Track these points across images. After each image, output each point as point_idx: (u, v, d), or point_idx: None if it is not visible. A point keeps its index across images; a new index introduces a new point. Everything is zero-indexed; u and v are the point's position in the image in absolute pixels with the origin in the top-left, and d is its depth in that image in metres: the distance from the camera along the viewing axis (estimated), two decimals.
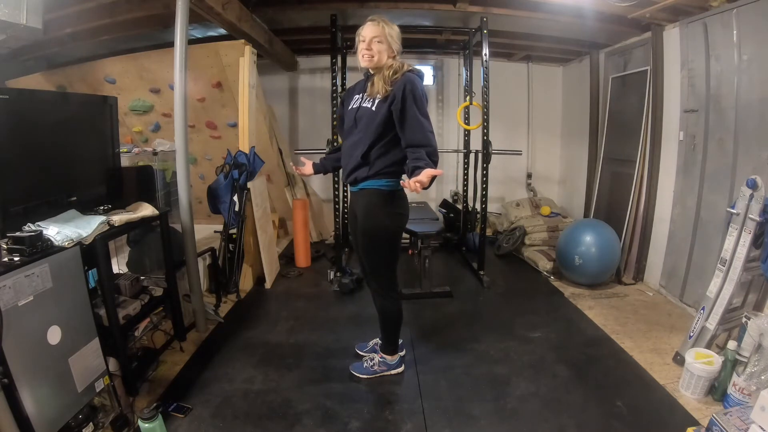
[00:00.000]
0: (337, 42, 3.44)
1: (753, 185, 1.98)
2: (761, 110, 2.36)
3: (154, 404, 1.67)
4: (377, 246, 1.95)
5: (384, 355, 2.17)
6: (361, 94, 1.91)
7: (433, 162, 1.75)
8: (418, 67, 1.93)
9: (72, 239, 1.55)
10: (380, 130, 1.80)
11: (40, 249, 1.44)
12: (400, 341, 2.28)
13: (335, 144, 3.44)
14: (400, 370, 2.20)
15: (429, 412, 1.90)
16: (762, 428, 1.47)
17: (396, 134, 1.80)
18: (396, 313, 2.10)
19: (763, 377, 1.73)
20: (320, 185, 5.05)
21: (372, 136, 1.82)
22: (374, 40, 1.83)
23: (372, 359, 2.18)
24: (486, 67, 3.29)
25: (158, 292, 2.21)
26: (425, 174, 1.64)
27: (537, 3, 2.99)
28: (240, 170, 2.94)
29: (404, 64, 1.85)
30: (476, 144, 3.70)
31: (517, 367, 2.25)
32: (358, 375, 2.15)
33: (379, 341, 2.23)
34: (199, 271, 2.63)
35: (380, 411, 1.91)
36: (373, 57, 1.84)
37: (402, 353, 2.26)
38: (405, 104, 1.74)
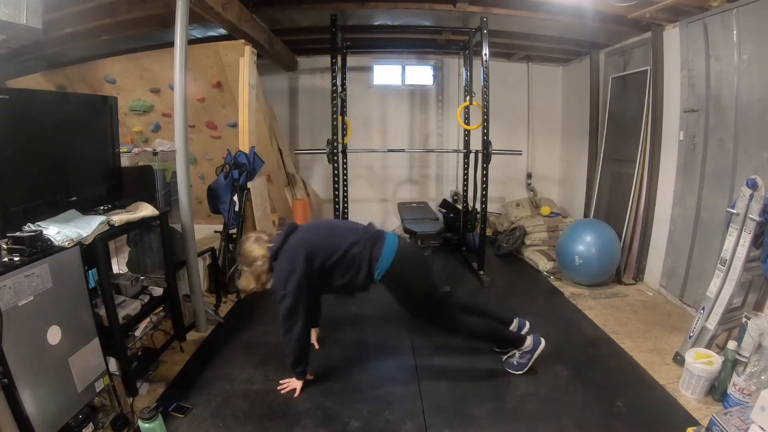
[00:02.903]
0: (337, 42, 3.44)
1: (753, 185, 1.98)
2: (761, 110, 2.36)
3: (154, 404, 1.67)
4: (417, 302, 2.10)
5: (517, 349, 2.19)
6: None
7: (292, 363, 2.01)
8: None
9: (72, 239, 1.55)
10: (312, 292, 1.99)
11: (40, 249, 1.44)
12: (515, 324, 2.35)
13: (335, 144, 3.44)
14: (542, 345, 2.18)
15: (429, 412, 1.89)
16: (762, 428, 1.47)
17: (320, 281, 1.96)
18: (476, 333, 2.21)
19: (763, 377, 1.73)
20: (320, 185, 5.06)
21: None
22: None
23: (513, 355, 2.20)
24: (486, 67, 3.29)
25: (158, 292, 2.21)
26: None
27: (537, 3, 2.99)
28: (240, 170, 2.94)
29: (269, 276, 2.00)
30: (476, 144, 3.69)
31: None
32: (514, 372, 2.18)
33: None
34: (199, 271, 2.63)
35: (380, 411, 1.91)
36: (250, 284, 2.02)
37: (524, 331, 2.32)
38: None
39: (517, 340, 2.20)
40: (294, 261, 1.87)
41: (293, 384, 2.04)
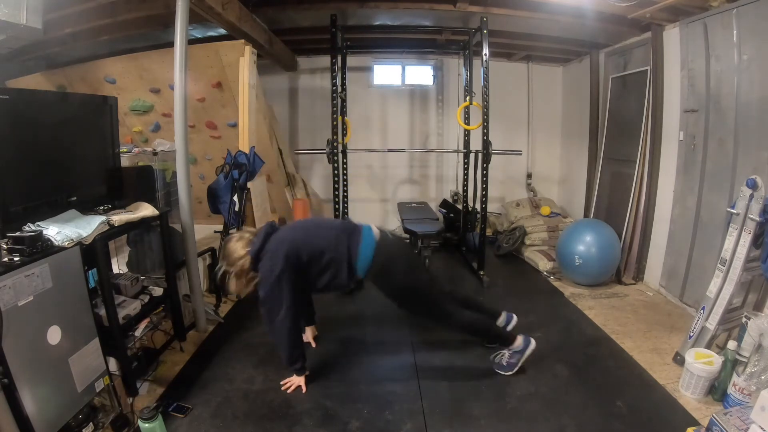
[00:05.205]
0: (337, 42, 3.44)
1: (753, 185, 1.98)
2: (761, 110, 2.36)
3: (154, 404, 1.68)
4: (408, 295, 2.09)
5: (506, 348, 2.18)
6: None
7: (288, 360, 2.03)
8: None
9: (72, 239, 1.56)
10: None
11: (40, 249, 1.44)
12: (503, 318, 2.37)
13: (335, 144, 3.43)
14: (532, 345, 2.16)
15: (429, 412, 1.89)
16: (762, 428, 1.47)
17: (305, 279, 1.96)
18: (467, 327, 2.19)
19: (763, 377, 1.73)
20: (320, 185, 5.06)
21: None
22: None
23: (503, 355, 2.19)
24: (486, 67, 3.29)
25: (158, 292, 2.21)
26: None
27: (537, 3, 2.98)
28: (240, 170, 2.94)
29: (253, 276, 1.99)
30: (476, 144, 3.69)
31: None
32: (503, 373, 2.15)
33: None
34: (199, 271, 2.63)
35: (380, 411, 1.91)
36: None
37: (511, 325, 2.32)
38: None
39: (506, 338, 2.19)
40: (274, 259, 1.88)
41: (296, 381, 2.05)
